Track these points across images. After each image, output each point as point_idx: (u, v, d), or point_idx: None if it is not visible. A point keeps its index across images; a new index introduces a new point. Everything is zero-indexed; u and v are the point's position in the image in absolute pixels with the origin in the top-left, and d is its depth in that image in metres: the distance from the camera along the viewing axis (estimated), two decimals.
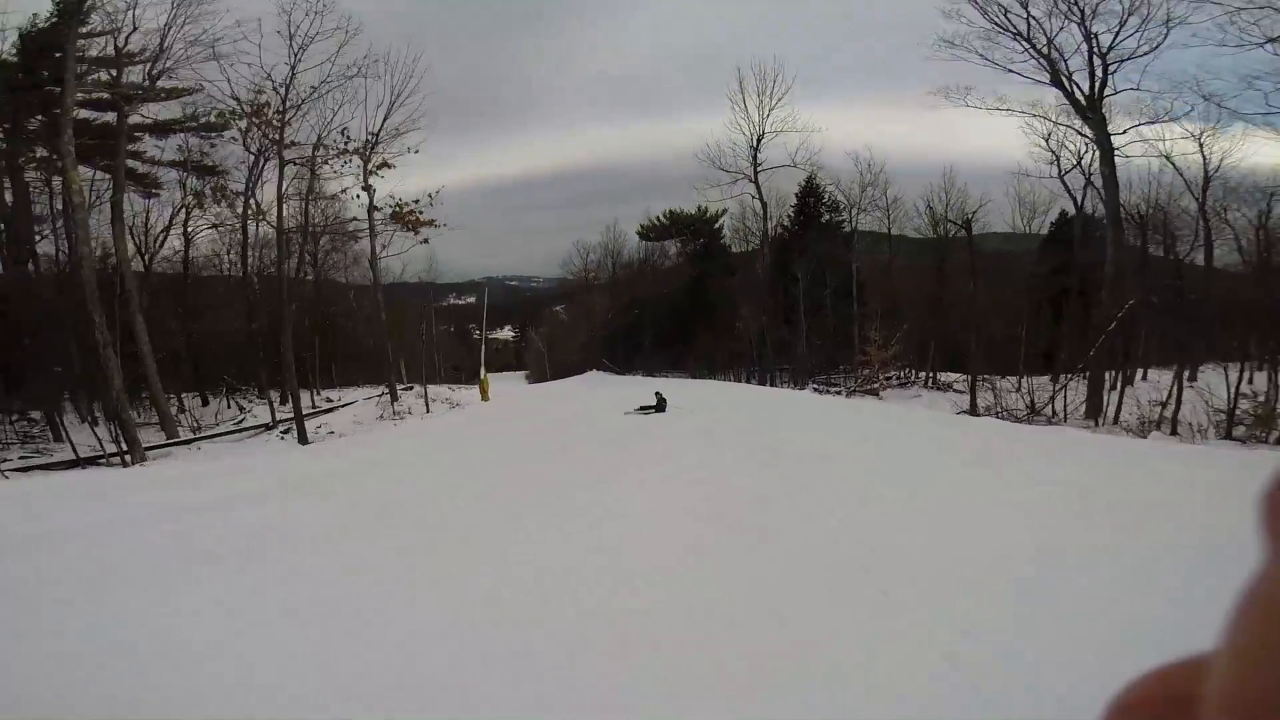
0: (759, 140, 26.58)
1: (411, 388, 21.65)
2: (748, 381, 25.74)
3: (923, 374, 24.19)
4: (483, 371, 23.79)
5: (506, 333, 73.62)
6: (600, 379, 27.70)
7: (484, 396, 22.81)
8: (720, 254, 34.32)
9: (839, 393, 22.14)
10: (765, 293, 26.88)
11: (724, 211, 33.48)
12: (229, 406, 19.77)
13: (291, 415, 16.59)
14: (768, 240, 28.81)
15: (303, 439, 16.03)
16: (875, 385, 22.08)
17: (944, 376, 22.98)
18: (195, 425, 17.99)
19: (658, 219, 36.81)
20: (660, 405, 12.64)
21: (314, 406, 19.70)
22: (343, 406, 20.25)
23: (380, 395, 20.75)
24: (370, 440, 14.48)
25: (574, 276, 40.38)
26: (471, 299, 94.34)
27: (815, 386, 23.57)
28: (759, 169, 27.08)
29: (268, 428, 17.21)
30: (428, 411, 19.22)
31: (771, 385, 24.76)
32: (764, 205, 28.05)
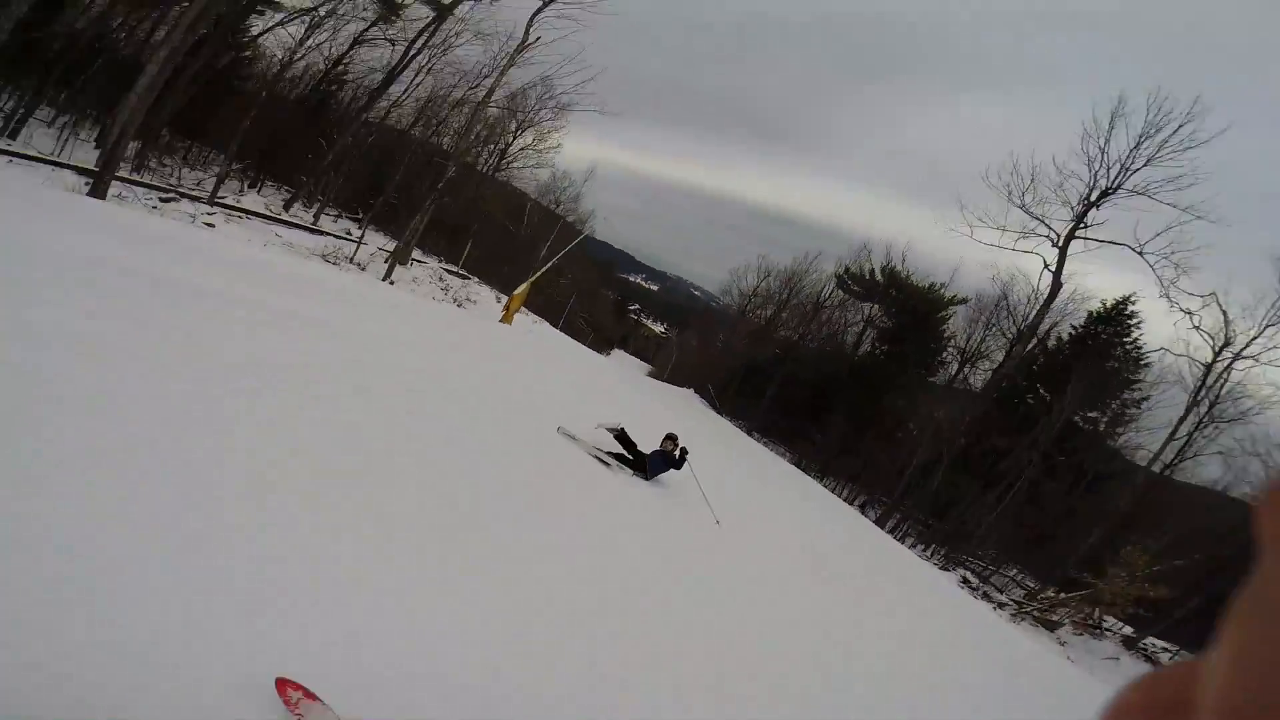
0: (1101, 194, 17.20)
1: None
2: (879, 520, 17.02)
3: (1127, 630, 15.45)
4: (521, 286, 18.17)
5: (660, 327, 71.64)
6: (684, 400, 20.38)
7: (505, 317, 17.50)
8: (932, 338, 25.45)
9: (1001, 607, 12.97)
10: (967, 412, 17.89)
11: (960, 300, 25.25)
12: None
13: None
14: (1026, 342, 19.36)
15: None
16: (1056, 618, 13.31)
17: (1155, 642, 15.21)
18: None
19: (871, 272, 28.58)
20: (636, 459, 6.55)
21: None
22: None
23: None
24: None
25: (740, 293, 34.81)
26: (655, 286, 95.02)
27: (967, 577, 14.42)
28: (1079, 231, 17.76)
29: None
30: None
31: (901, 539, 15.90)
32: (1056, 285, 18.59)
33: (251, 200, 18.10)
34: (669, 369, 35.95)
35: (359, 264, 17.27)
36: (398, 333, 7.67)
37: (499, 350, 10.68)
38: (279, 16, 18.75)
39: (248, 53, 20.26)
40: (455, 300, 20.08)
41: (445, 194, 19.58)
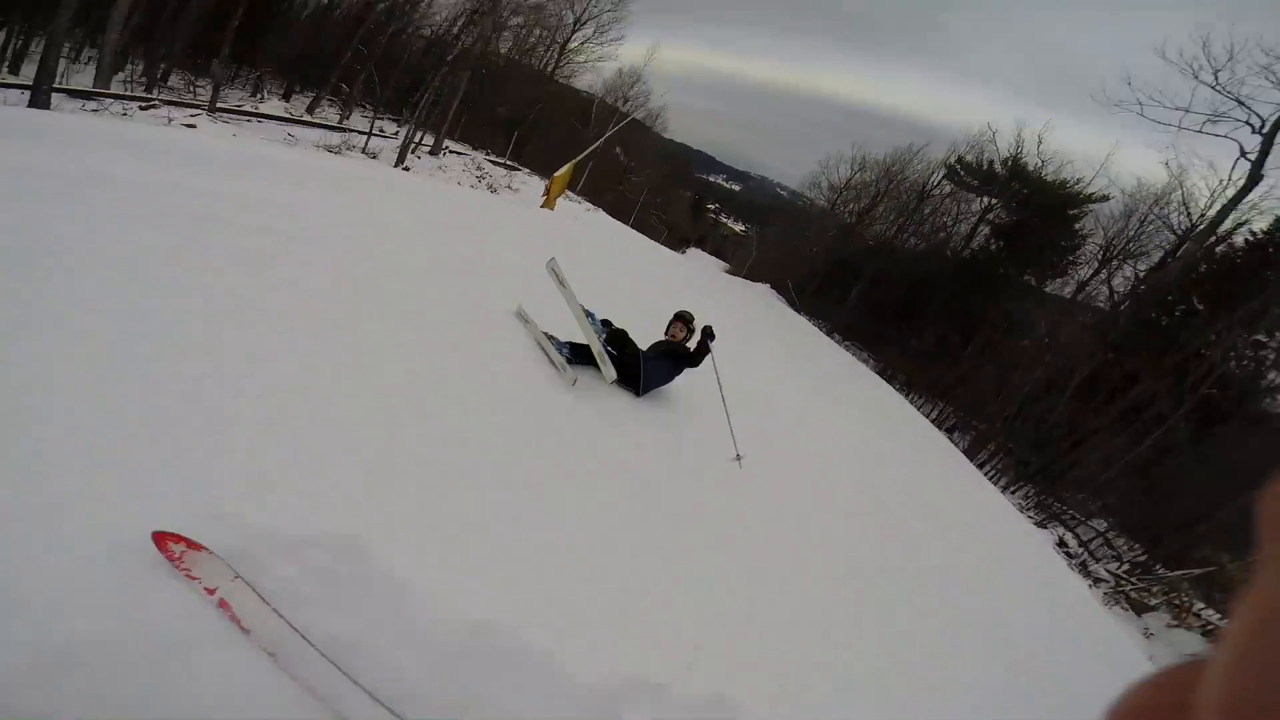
0: None
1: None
2: (968, 449, 14.62)
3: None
4: (563, 169, 16.26)
5: (740, 226, 69.19)
6: (756, 296, 17.92)
7: (547, 202, 15.84)
8: (1063, 237, 21.25)
9: (1097, 583, 10.86)
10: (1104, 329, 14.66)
11: (1102, 198, 21.33)
12: None
13: None
14: (1202, 240, 15.58)
15: None
16: (1153, 602, 11.03)
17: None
18: None
19: (990, 163, 23.82)
20: (624, 362, 4.38)
21: None
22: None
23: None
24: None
25: (830, 185, 30.75)
26: (737, 187, 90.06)
27: (1065, 539, 12.00)
28: None
29: None
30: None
31: (993, 477, 13.54)
32: (1255, 177, 15.12)
33: (271, 106, 17.26)
34: (747, 266, 34.18)
35: (371, 153, 15.97)
36: (390, 214, 6.36)
37: (520, 233, 8.88)
38: None
39: None
40: (490, 187, 18.60)
41: (457, 73, 17.50)
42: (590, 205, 25.36)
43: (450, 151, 20.01)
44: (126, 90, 14.25)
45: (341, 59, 18.64)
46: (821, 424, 7.18)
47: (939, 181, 25.86)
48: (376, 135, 17.46)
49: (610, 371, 3.99)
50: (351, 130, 16.97)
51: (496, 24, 20.59)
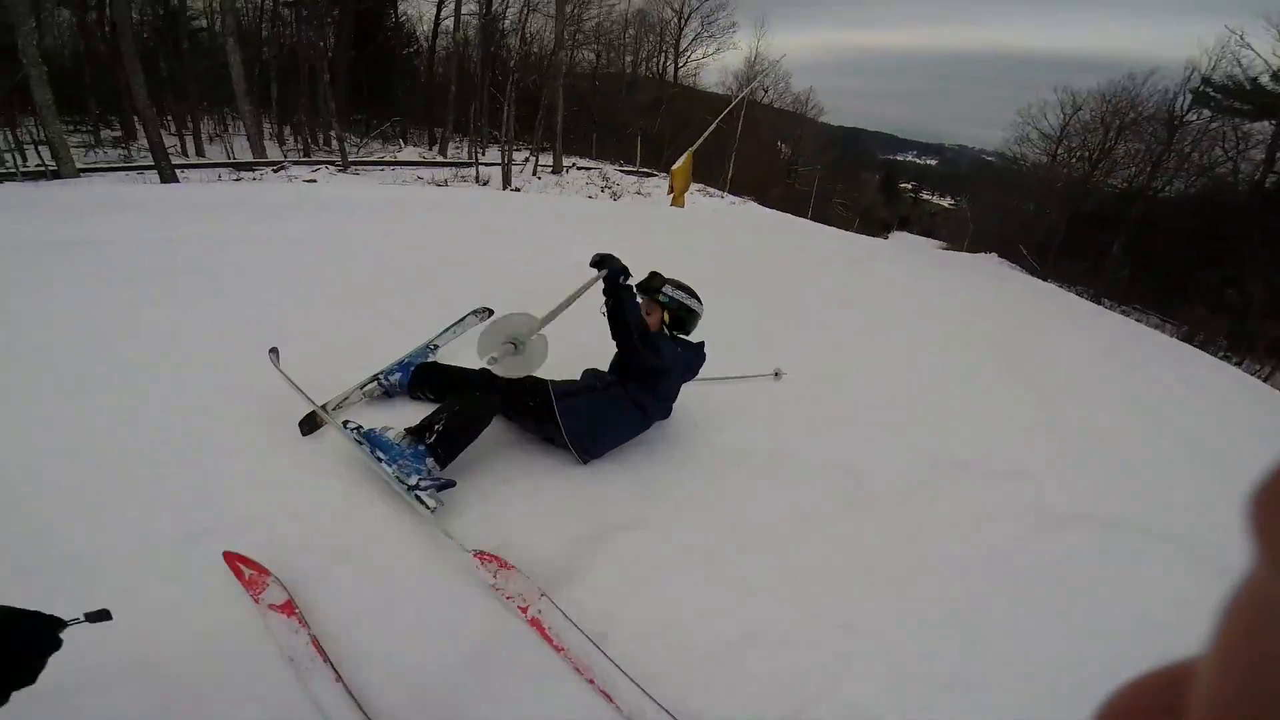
0: None
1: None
2: None
3: None
4: (680, 161, 14.12)
5: (947, 201, 61.32)
6: (977, 270, 13.38)
7: (675, 200, 13.90)
8: None
9: None
10: None
11: None
12: None
13: None
14: None
15: None
16: None
17: None
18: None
19: (1250, 79, 18.23)
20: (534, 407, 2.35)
21: None
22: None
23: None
24: None
25: (1043, 135, 27.01)
26: (933, 160, 79.76)
27: None
28: None
29: None
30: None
31: None
32: None
33: (408, 153, 18.40)
34: (967, 240, 30.95)
35: (483, 180, 15.70)
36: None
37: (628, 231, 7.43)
38: None
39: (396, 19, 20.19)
40: (613, 195, 17.32)
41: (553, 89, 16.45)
42: (736, 198, 22.96)
43: (578, 168, 19.51)
44: (284, 155, 16.02)
45: (460, 97, 19.24)
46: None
47: (1185, 110, 20.55)
48: (488, 164, 17.40)
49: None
50: (471, 163, 17.17)
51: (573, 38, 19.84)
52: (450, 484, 2.05)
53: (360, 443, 2.05)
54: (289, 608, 1.63)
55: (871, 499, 2.58)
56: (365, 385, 2.50)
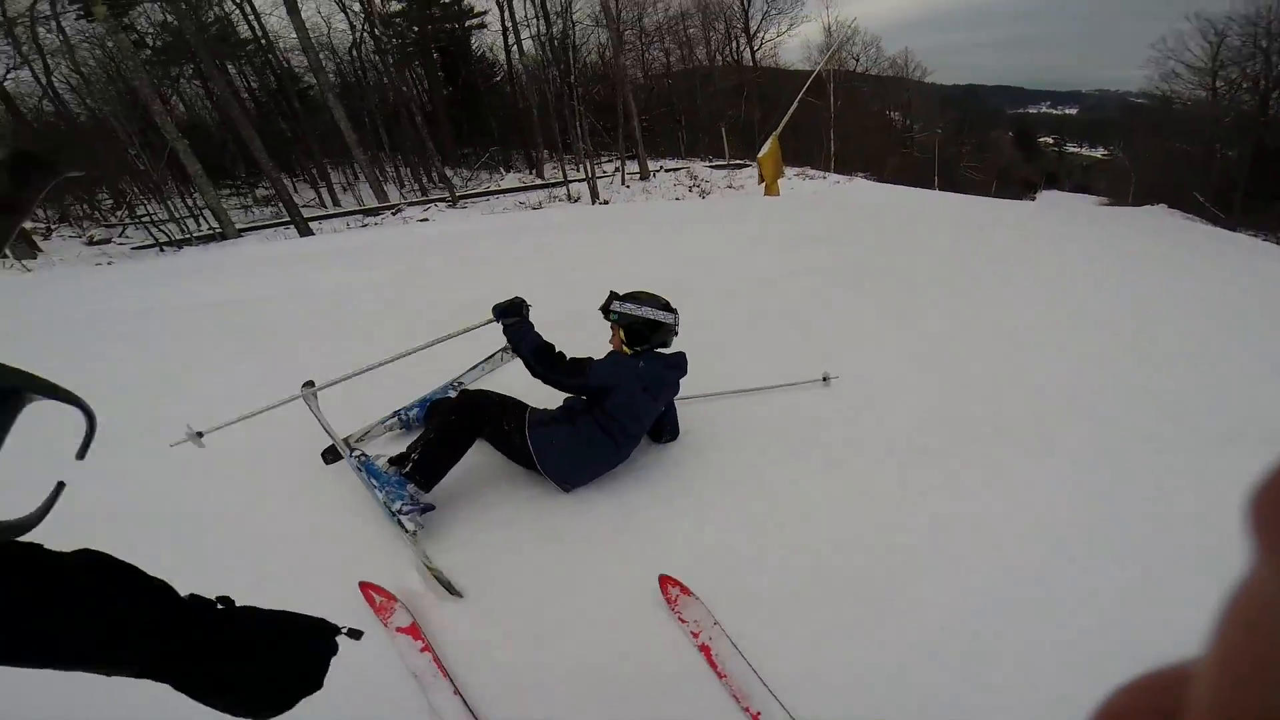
0: None
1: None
2: None
3: None
4: (765, 147, 13.66)
5: (1099, 151, 54.47)
6: (1143, 226, 11.23)
7: (769, 188, 13.51)
8: None
9: None
10: None
11: None
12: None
13: None
14: None
15: None
16: None
17: None
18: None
19: None
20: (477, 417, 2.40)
21: None
22: None
23: None
24: None
25: (1190, 69, 23.63)
26: (1072, 109, 70.32)
27: None
28: None
29: None
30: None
31: None
32: None
33: (509, 180, 19.48)
34: (1131, 192, 27.66)
35: (574, 196, 16.16)
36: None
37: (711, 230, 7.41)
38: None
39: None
40: (702, 193, 17.21)
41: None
42: (842, 176, 21.86)
43: (665, 170, 19.56)
44: (402, 197, 17.62)
45: (543, 117, 20.12)
46: None
47: None
48: (576, 180, 17.90)
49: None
50: (562, 182, 17.77)
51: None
52: (430, 508, 2.17)
53: (359, 470, 2.21)
54: (414, 630, 1.80)
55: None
56: (386, 420, 2.70)
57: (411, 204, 16.75)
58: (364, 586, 1.93)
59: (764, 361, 3.31)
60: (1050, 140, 58.33)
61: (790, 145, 25.88)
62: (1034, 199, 31.87)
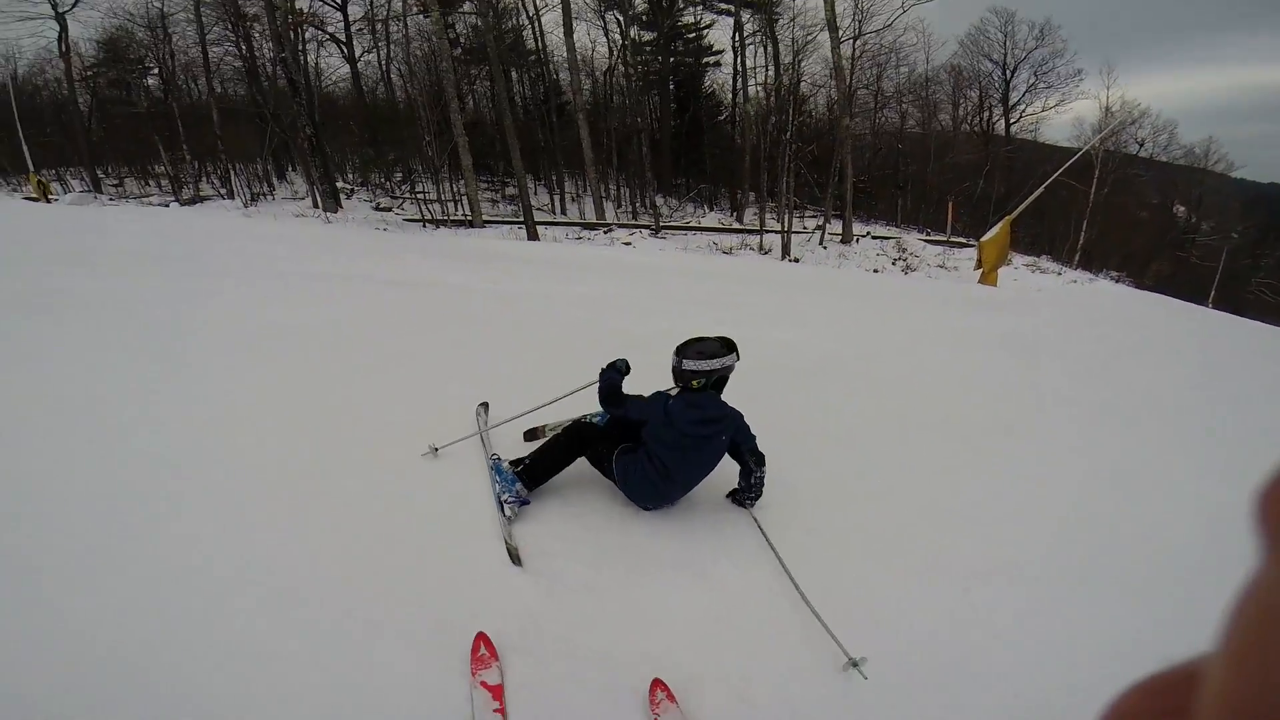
0: None
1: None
2: None
3: None
4: (994, 229, 13.06)
5: None
6: None
7: (986, 276, 12.68)
8: None
9: None
10: None
11: None
12: None
13: None
14: None
15: None
16: None
17: None
18: None
19: None
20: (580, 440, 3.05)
21: None
22: None
23: None
24: None
25: None
26: None
27: None
28: None
29: None
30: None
31: None
32: None
33: (710, 219, 20.55)
34: None
35: (765, 249, 16.41)
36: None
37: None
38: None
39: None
40: (907, 268, 16.50)
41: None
42: (1086, 274, 19.44)
43: (872, 236, 19.05)
44: (617, 217, 19.58)
45: (754, 164, 20.61)
46: None
47: None
48: (771, 231, 18.16)
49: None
50: (757, 230, 18.27)
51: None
52: (526, 502, 2.69)
53: (491, 469, 2.83)
54: (498, 691, 1.92)
55: None
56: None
57: (621, 225, 18.49)
58: (480, 636, 2.02)
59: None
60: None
61: (1031, 229, 23.58)
62: None
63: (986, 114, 25.91)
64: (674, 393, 2.77)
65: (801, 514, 2.88)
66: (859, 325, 6.29)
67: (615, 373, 2.88)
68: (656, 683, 2.00)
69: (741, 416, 2.81)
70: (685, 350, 2.71)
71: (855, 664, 2.11)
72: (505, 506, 2.66)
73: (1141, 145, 27.29)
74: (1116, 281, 21.84)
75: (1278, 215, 36.32)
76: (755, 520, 2.79)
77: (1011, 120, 25.65)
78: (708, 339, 2.76)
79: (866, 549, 2.74)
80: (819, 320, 6.26)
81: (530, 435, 3.22)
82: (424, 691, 1.90)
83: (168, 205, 18.71)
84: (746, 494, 2.86)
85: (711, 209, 23.49)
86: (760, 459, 2.83)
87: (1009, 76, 25.08)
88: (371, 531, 2.49)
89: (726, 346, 2.73)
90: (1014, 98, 25.36)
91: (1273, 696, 0.14)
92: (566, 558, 2.52)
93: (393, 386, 3.61)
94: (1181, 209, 32.25)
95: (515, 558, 2.47)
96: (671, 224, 18.93)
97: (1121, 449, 3.77)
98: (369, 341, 4.29)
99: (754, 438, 2.84)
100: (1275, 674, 0.14)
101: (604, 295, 6.41)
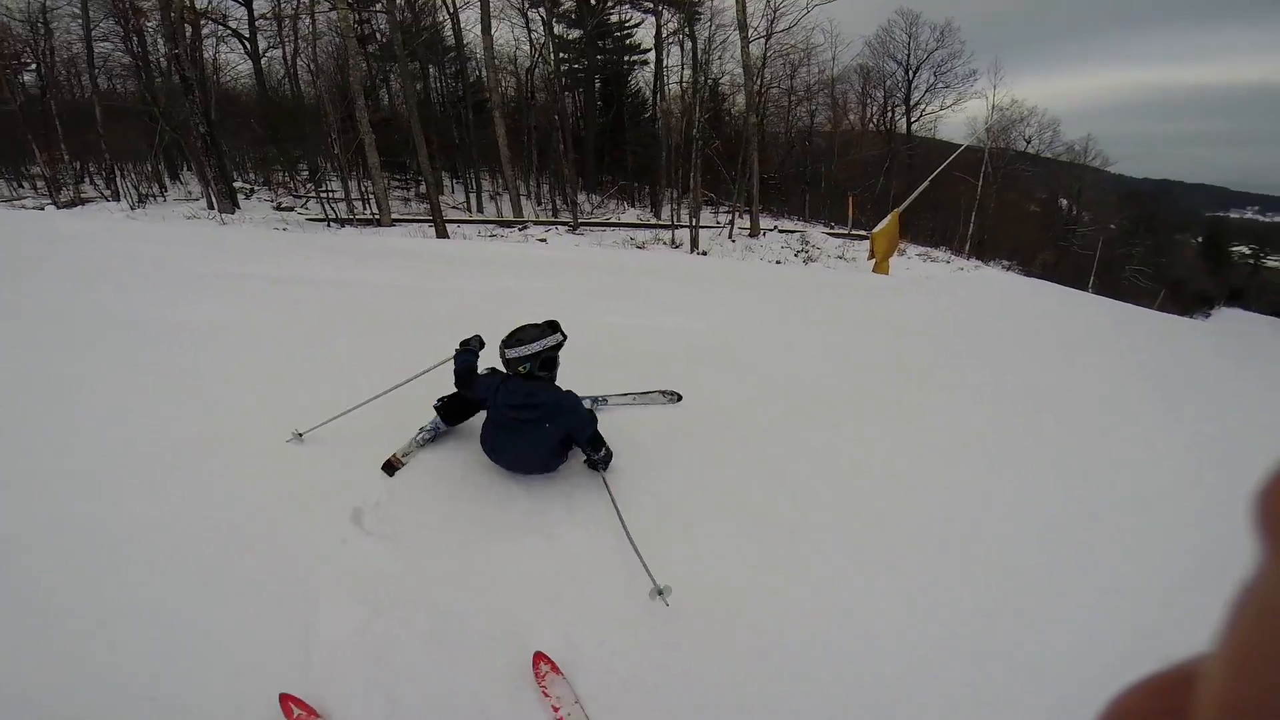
0: None
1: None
2: None
3: None
4: (884, 221, 14.09)
5: None
6: None
7: (878, 265, 14.08)
8: None
9: None
10: None
11: None
12: None
13: None
14: None
15: None
16: None
17: None
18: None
19: None
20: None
21: None
22: None
23: None
24: None
25: None
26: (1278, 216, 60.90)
27: None
28: None
29: None
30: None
31: None
32: None
33: (629, 215, 21.07)
34: None
35: (677, 243, 17.03)
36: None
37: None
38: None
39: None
40: (807, 259, 17.56)
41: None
42: (975, 262, 21.07)
43: (780, 230, 20.00)
44: (536, 214, 19.68)
45: (668, 161, 21.28)
46: None
47: None
48: (682, 226, 18.85)
49: None
50: (668, 225, 18.94)
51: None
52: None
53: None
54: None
55: None
56: (418, 436, 3.25)
57: (538, 222, 18.60)
58: (285, 699, 1.90)
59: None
60: (1247, 250, 50.68)
61: (929, 223, 25.31)
62: (1208, 316, 28.44)
63: (889, 113, 27.55)
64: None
65: (651, 477, 3.09)
66: (750, 312, 6.60)
67: (469, 354, 3.02)
68: (539, 655, 2.08)
69: (571, 401, 2.86)
70: (507, 340, 2.85)
71: (660, 592, 2.30)
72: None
73: (1029, 142, 29.75)
74: (1007, 270, 23.71)
75: (1149, 208, 40.57)
76: (605, 483, 2.90)
77: (913, 119, 27.37)
78: (528, 326, 2.89)
79: (700, 507, 2.97)
80: (712, 308, 6.51)
81: (388, 467, 3.06)
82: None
83: (43, 208, 17.41)
84: (595, 465, 3.00)
85: (632, 205, 23.97)
86: (596, 446, 2.91)
87: (911, 77, 26.76)
88: (230, 504, 2.67)
89: (549, 328, 2.87)
90: (915, 97, 27.10)
91: (1273, 696, 0.14)
92: (417, 524, 2.69)
93: (264, 375, 3.76)
94: (1064, 202, 35.35)
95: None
96: (589, 220, 19.24)
97: (984, 420, 4.06)
98: (245, 336, 4.37)
99: (590, 424, 2.90)
100: (1275, 674, 0.14)
101: (507, 290, 6.45)
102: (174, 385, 3.49)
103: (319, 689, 1.99)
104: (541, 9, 21.47)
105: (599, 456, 2.92)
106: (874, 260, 14.61)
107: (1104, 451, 3.82)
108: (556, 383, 2.95)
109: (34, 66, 21.32)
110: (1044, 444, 3.84)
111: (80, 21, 19.40)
